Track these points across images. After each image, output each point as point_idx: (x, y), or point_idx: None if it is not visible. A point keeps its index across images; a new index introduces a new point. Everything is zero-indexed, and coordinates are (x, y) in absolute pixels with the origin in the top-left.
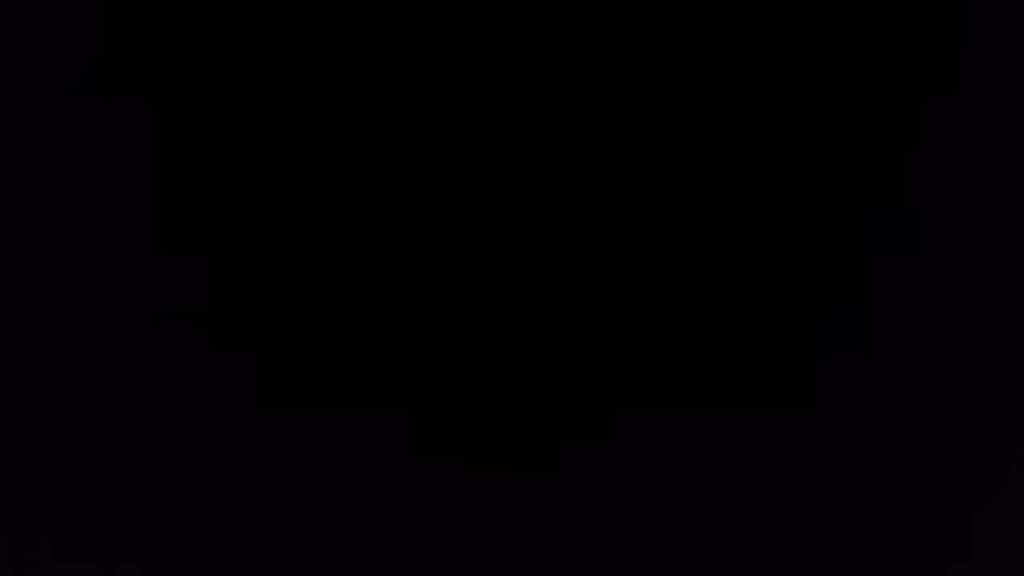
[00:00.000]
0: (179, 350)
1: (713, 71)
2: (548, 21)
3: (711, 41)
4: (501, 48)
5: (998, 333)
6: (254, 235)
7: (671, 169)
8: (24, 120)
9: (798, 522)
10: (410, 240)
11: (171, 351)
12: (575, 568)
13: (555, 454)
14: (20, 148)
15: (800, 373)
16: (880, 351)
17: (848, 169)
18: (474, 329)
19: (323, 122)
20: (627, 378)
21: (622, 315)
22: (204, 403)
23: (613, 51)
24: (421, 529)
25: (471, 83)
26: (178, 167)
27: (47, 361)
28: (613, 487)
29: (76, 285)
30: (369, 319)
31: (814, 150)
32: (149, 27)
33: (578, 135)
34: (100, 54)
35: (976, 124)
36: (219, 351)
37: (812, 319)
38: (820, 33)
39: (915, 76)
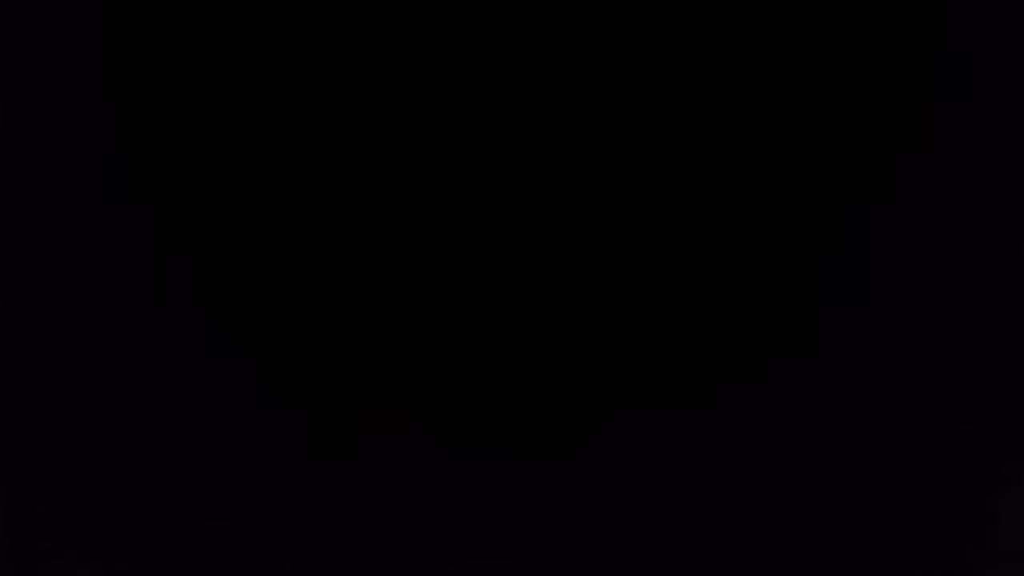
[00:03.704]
0: (178, 350)
1: (708, 69)
2: (547, 22)
3: (702, 39)
4: (501, 49)
5: (997, 329)
6: (256, 234)
7: (671, 170)
8: (24, 120)
9: (805, 516)
10: (417, 237)
11: (170, 351)
12: (585, 563)
13: (565, 449)
14: (20, 149)
15: (803, 368)
16: (881, 349)
17: (846, 166)
18: (481, 326)
19: (325, 121)
20: (635, 374)
21: (630, 310)
22: (203, 402)
23: (606, 53)
24: (428, 526)
25: (471, 84)
26: (179, 168)
27: (47, 361)
28: (623, 482)
29: (76, 284)
30: (375, 316)
31: (809, 147)
32: (149, 27)
33: (576, 133)
34: (100, 54)
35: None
36: (219, 350)
37: (812, 314)
38: (816, 32)
39: (911, 74)
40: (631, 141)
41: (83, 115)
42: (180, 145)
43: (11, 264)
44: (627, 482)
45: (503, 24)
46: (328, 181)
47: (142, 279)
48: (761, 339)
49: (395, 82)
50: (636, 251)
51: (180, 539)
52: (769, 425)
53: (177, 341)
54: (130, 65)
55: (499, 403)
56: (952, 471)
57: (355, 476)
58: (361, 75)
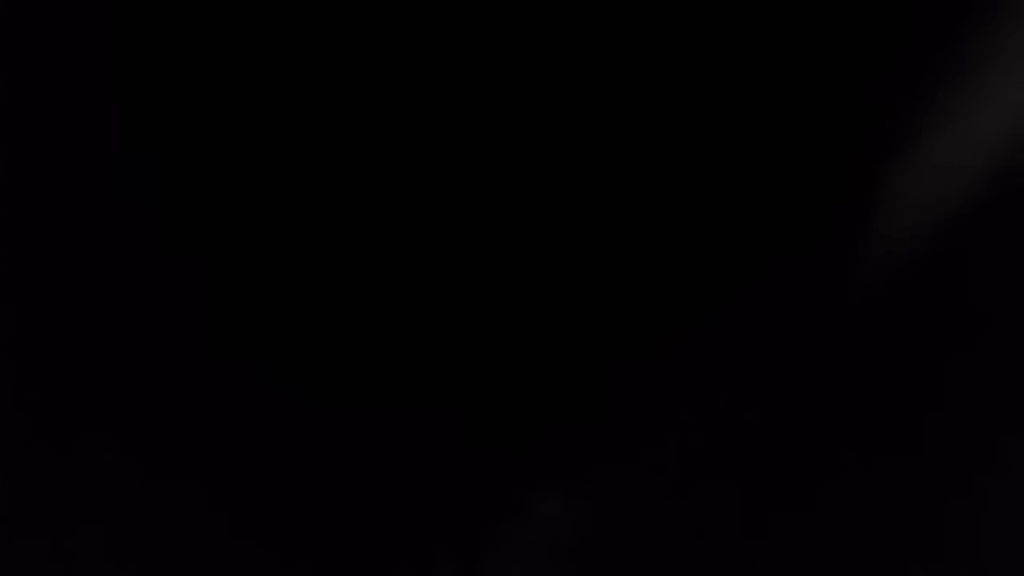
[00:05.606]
0: (174, 346)
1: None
2: (546, 21)
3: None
4: (499, 48)
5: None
6: (256, 232)
7: (671, 175)
8: (24, 120)
9: (801, 512)
10: (414, 232)
11: (168, 348)
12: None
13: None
14: (19, 149)
15: (797, 367)
16: (877, 346)
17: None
18: (478, 324)
19: (325, 120)
20: (635, 373)
21: (629, 309)
22: (203, 400)
23: (603, 52)
24: (428, 519)
25: (470, 82)
26: (179, 167)
27: (46, 358)
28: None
29: (75, 283)
30: (375, 315)
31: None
32: (149, 27)
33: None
34: (100, 54)
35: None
36: (217, 348)
37: (812, 314)
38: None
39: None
40: (628, 140)
41: (83, 115)
42: (180, 144)
43: (10, 264)
44: (626, 480)
45: (500, 24)
46: (326, 180)
47: (141, 274)
48: (760, 338)
49: (395, 81)
50: (635, 251)
51: (178, 530)
52: (764, 424)
53: (172, 338)
54: (130, 65)
55: (499, 398)
56: (950, 465)
57: (354, 470)
58: (361, 74)
